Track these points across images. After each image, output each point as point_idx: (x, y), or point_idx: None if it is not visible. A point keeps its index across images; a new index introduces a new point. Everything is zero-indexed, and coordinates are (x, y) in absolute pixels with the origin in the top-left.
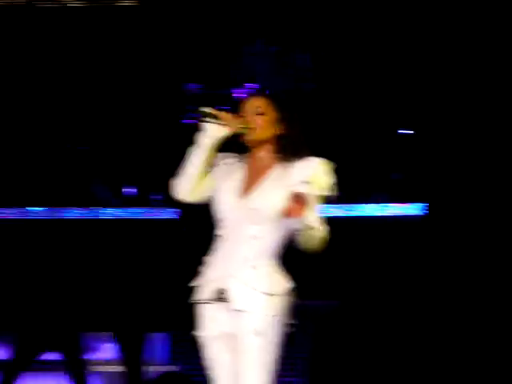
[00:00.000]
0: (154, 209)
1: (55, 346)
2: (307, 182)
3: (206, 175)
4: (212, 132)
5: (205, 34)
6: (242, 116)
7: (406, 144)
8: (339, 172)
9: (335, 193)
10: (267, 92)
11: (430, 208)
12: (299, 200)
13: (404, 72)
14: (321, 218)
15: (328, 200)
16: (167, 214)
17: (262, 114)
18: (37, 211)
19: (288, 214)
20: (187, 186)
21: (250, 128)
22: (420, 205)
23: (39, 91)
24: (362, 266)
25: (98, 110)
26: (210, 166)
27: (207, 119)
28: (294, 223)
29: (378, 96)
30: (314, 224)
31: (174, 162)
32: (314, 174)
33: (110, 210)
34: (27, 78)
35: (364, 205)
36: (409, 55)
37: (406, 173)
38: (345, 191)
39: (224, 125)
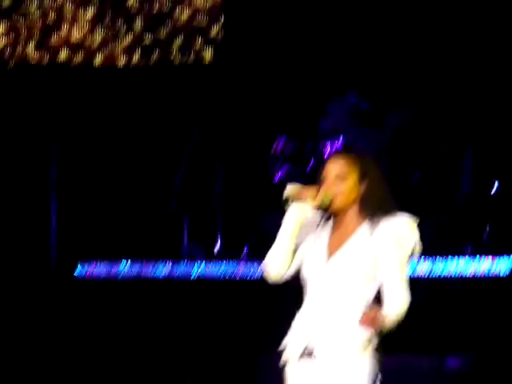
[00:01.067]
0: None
1: None
2: (396, 241)
3: (295, 252)
4: (297, 212)
5: (294, 87)
6: (323, 186)
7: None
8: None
9: (421, 249)
10: (348, 151)
11: None
12: (373, 314)
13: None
14: (406, 286)
15: (415, 257)
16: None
17: (343, 180)
18: (125, 266)
19: (364, 324)
20: (279, 267)
21: (336, 195)
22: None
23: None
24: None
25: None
26: (298, 241)
27: (292, 201)
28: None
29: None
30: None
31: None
32: (401, 233)
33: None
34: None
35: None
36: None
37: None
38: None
39: (309, 202)
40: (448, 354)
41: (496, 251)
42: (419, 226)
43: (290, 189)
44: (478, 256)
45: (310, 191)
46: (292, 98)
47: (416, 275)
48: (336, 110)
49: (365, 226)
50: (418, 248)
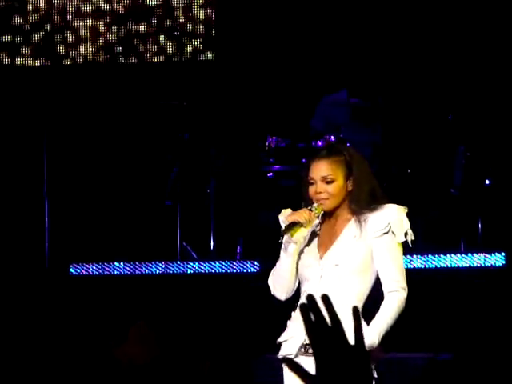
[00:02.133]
0: (234, 262)
1: None
2: (387, 232)
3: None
4: (296, 237)
5: (287, 85)
6: (314, 192)
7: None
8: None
9: (413, 238)
10: (331, 149)
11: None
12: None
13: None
14: (403, 276)
15: (407, 247)
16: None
17: (331, 182)
18: (119, 266)
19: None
20: (285, 289)
21: (325, 199)
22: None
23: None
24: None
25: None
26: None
27: (290, 231)
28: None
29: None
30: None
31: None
32: (391, 222)
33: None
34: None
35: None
36: None
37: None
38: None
39: (304, 226)
40: (440, 351)
41: (489, 246)
42: (411, 221)
43: (284, 221)
44: (470, 252)
45: (301, 215)
46: (284, 97)
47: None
48: (325, 106)
49: (353, 221)
50: (411, 236)
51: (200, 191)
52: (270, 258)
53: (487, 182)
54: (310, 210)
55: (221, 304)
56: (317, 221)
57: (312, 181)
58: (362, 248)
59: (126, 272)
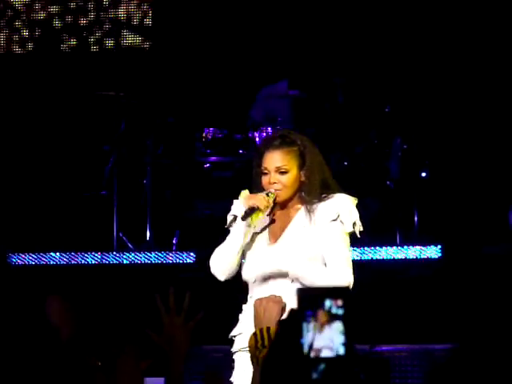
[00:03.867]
0: (170, 253)
1: None
2: (335, 220)
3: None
4: (250, 220)
5: (224, 77)
6: (268, 182)
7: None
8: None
9: (361, 229)
10: (284, 139)
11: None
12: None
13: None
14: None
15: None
16: (182, 258)
17: (285, 173)
18: (55, 256)
19: None
20: (229, 268)
21: (278, 190)
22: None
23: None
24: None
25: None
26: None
27: (250, 217)
28: None
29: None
30: None
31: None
32: (339, 211)
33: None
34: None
35: (381, 248)
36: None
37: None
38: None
39: (263, 211)
40: (376, 343)
41: (425, 239)
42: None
43: (242, 208)
44: (406, 244)
45: (260, 201)
46: (222, 88)
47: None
48: (265, 97)
49: (303, 210)
50: (359, 227)
51: (136, 181)
52: (206, 248)
53: (423, 174)
54: (267, 194)
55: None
56: (267, 212)
57: (265, 171)
58: (311, 236)
59: (61, 262)
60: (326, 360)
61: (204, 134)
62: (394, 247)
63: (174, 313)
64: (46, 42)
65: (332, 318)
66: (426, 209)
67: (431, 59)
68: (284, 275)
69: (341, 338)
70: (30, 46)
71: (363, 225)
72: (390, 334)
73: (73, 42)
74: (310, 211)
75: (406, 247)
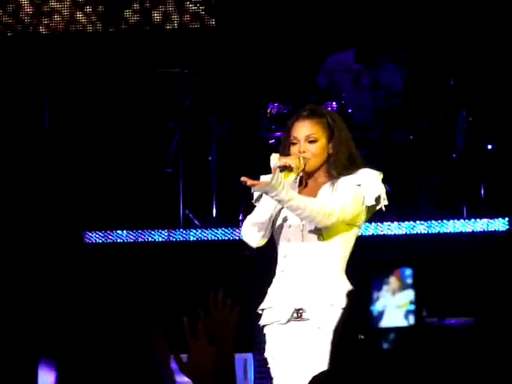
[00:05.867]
0: (237, 229)
1: None
2: (358, 185)
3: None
4: (286, 181)
5: (286, 51)
6: (298, 151)
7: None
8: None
9: (386, 203)
10: (314, 110)
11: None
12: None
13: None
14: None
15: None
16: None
17: (314, 142)
18: (122, 234)
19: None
20: (261, 233)
21: (307, 159)
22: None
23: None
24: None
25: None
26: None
27: (283, 172)
28: None
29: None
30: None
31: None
32: (362, 182)
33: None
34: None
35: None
36: None
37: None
38: (427, 207)
39: (294, 171)
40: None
41: (491, 212)
42: (414, 186)
43: (276, 160)
44: (473, 217)
45: (293, 160)
46: (284, 63)
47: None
48: (330, 65)
49: (328, 184)
50: (384, 201)
51: (202, 159)
52: None
53: (489, 147)
54: (299, 158)
55: (223, 271)
56: (296, 181)
57: (295, 140)
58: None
59: (128, 240)
60: (396, 329)
61: (269, 110)
62: (461, 220)
63: (202, 339)
64: (108, 19)
65: (404, 286)
66: (493, 182)
67: (495, 30)
68: (316, 249)
69: (411, 307)
70: (94, 23)
71: (429, 198)
72: (458, 308)
73: (135, 18)
74: (333, 184)
75: (473, 220)
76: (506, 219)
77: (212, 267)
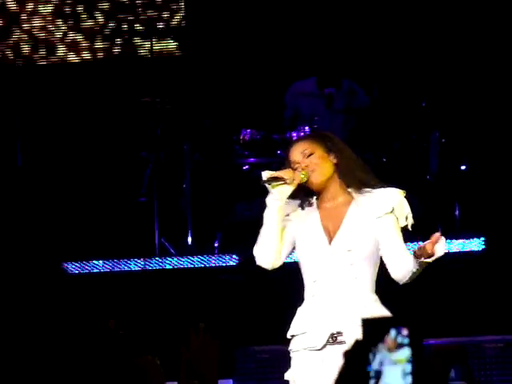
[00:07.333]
0: (213, 256)
1: None
2: (389, 213)
3: (282, 235)
4: (279, 194)
5: (259, 77)
6: (297, 166)
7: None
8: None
9: (413, 222)
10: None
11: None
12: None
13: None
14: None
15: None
16: (225, 261)
17: (311, 155)
18: (98, 264)
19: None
20: (271, 253)
21: (311, 172)
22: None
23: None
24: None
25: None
26: (283, 224)
27: (271, 184)
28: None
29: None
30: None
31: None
32: (394, 206)
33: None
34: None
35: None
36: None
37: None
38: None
39: (288, 183)
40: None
41: (467, 232)
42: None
43: (266, 174)
44: (449, 237)
45: (285, 172)
46: (256, 89)
47: None
48: (293, 96)
49: (355, 203)
50: (410, 220)
51: (176, 187)
52: (248, 250)
53: (463, 167)
54: (296, 169)
55: (200, 298)
56: (314, 203)
57: (295, 164)
58: (369, 230)
59: (105, 270)
60: None
61: (241, 136)
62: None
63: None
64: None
65: (399, 345)
66: (467, 202)
67: (466, 52)
68: (347, 273)
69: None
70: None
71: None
72: (435, 328)
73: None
74: (362, 204)
75: (448, 241)
76: (482, 239)
77: (189, 294)
